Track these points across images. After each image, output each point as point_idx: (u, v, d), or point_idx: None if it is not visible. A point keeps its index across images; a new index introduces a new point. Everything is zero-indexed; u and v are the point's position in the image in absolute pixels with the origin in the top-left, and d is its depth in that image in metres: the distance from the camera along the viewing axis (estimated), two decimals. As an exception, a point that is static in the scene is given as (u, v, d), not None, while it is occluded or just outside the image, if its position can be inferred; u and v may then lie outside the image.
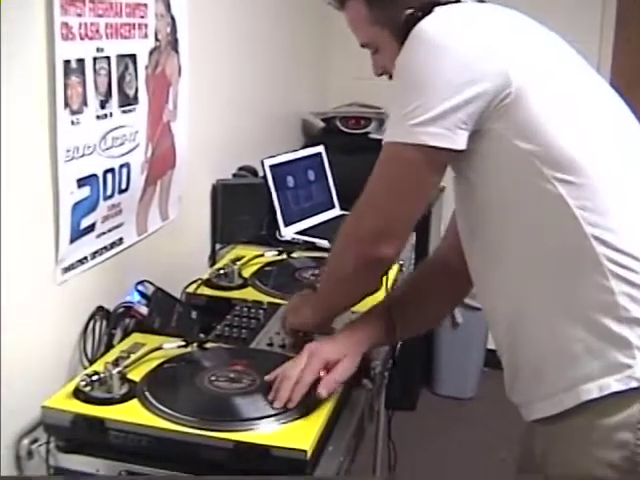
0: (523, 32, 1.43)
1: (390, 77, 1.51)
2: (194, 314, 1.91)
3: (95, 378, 1.48)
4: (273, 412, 1.43)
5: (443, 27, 1.36)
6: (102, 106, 1.67)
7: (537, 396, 1.41)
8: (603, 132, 1.39)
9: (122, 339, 1.73)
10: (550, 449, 1.40)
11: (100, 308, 1.75)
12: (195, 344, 1.68)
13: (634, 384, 1.30)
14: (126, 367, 1.53)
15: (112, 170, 1.75)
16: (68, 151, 1.56)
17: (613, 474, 1.31)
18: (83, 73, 1.59)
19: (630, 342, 1.30)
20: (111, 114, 1.71)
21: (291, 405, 1.43)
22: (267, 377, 1.51)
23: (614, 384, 1.30)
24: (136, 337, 1.71)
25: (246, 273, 2.17)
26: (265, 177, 2.62)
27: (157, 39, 1.89)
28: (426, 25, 1.36)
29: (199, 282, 2.08)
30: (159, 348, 1.63)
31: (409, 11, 1.41)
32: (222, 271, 2.11)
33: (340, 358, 1.51)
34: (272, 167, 2.65)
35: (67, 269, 1.63)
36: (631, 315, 1.30)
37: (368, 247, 1.44)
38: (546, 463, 1.40)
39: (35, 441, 1.47)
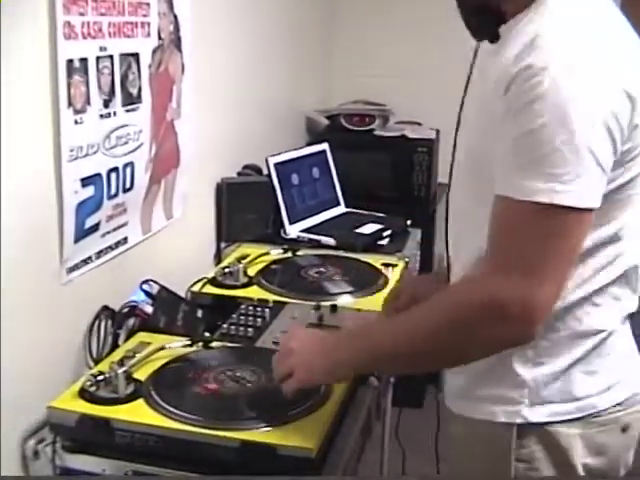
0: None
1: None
2: (199, 313, 1.91)
3: (100, 378, 1.48)
4: (279, 411, 1.43)
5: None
6: (105, 105, 1.67)
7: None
8: None
9: (127, 338, 1.73)
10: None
11: (105, 308, 1.75)
12: (200, 343, 1.68)
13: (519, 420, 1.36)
14: (131, 367, 1.53)
15: (116, 169, 1.74)
16: (72, 150, 1.56)
17: None
18: (86, 72, 1.58)
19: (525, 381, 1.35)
20: (115, 113, 1.70)
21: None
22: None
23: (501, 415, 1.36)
24: (141, 336, 1.70)
25: (251, 271, 2.16)
26: (270, 175, 2.61)
27: (160, 37, 1.89)
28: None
29: (204, 281, 2.07)
30: (164, 347, 1.62)
31: None
32: (227, 270, 2.10)
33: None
34: (277, 165, 2.65)
35: (72, 269, 1.63)
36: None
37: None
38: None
39: (41, 441, 1.47)
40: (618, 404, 1.38)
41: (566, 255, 1.20)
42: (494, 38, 1.35)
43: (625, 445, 1.42)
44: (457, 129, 1.44)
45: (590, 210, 1.18)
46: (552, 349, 1.33)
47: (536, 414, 1.35)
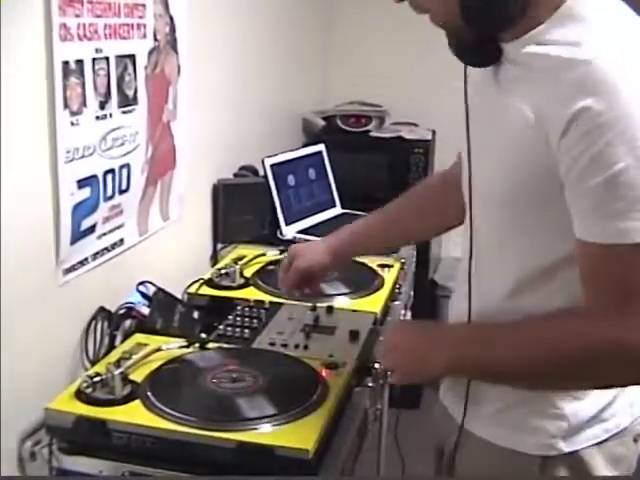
0: None
1: (417, 10, 1.28)
2: (196, 314, 1.91)
3: (97, 379, 1.48)
4: (275, 412, 1.43)
5: None
6: (102, 107, 1.67)
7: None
8: None
9: (124, 340, 1.73)
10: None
11: (101, 309, 1.75)
12: (197, 344, 1.68)
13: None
14: (128, 368, 1.53)
15: (112, 171, 1.74)
16: (68, 152, 1.56)
17: None
18: (82, 74, 1.58)
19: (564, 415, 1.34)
20: (111, 115, 1.70)
21: None
22: None
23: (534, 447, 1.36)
24: (138, 338, 1.71)
25: (248, 273, 2.17)
26: (266, 176, 2.62)
27: (156, 39, 1.89)
28: None
29: (201, 282, 2.08)
30: (161, 349, 1.62)
31: None
32: (224, 271, 2.11)
33: None
34: (273, 166, 2.65)
35: (68, 270, 1.63)
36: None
37: None
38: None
39: (38, 443, 1.46)
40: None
41: None
42: (497, 61, 1.30)
43: (636, 454, 1.43)
44: (469, 152, 1.37)
45: None
46: None
47: (570, 445, 1.34)
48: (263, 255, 2.29)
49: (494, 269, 1.37)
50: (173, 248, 2.14)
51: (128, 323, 1.79)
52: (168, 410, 1.42)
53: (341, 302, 2.02)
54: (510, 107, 1.25)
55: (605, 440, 1.35)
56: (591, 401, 1.34)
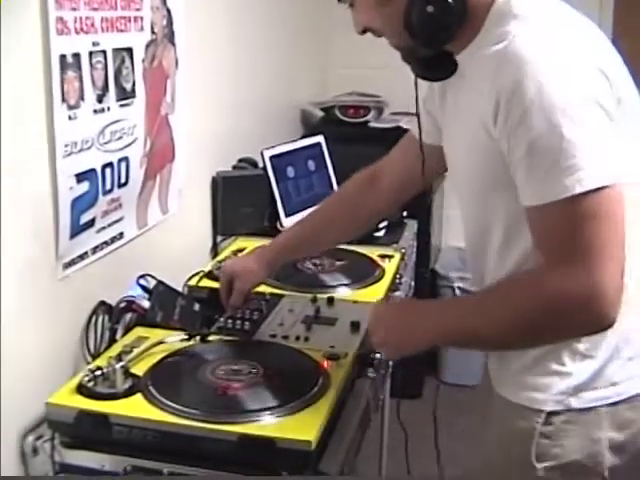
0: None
1: (376, 35, 1.43)
2: (196, 307, 1.91)
3: (98, 373, 1.48)
4: (277, 404, 1.43)
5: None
6: (99, 100, 1.66)
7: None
8: None
9: (124, 334, 1.73)
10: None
11: (102, 303, 1.75)
12: (198, 337, 1.68)
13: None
14: (129, 362, 1.53)
15: (111, 164, 1.74)
16: (66, 146, 1.56)
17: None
18: (79, 68, 1.58)
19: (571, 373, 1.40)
20: (109, 108, 1.70)
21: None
22: None
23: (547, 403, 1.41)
24: (138, 331, 1.71)
25: (248, 265, 2.16)
26: (265, 168, 2.61)
27: (153, 32, 1.88)
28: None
29: (201, 275, 2.08)
30: (162, 342, 1.62)
31: None
32: (224, 263, 2.10)
33: None
34: (272, 158, 2.64)
35: (68, 265, 1.63)
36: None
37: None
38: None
39: (40, 437, 1.47)
40: None
41: (614, 234, 1.22)
42: (454, 72, 1.43)
43: None
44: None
45: (615, 185, 1.22)
46: (602, 342, 1.37)
47: (579, 401, 1.39)
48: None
49: (486, 250, 1.46)
50: (173, 241, 2.14)
51: (129, 317, 1.79)
52: (170, 403, 1.42)
53: (342, 293, 2.02)
54: (466, 109, 1.39)
55: (616, 403, 1.39)
56: (600, 362, 1.38)
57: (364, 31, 1.43)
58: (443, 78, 1.46)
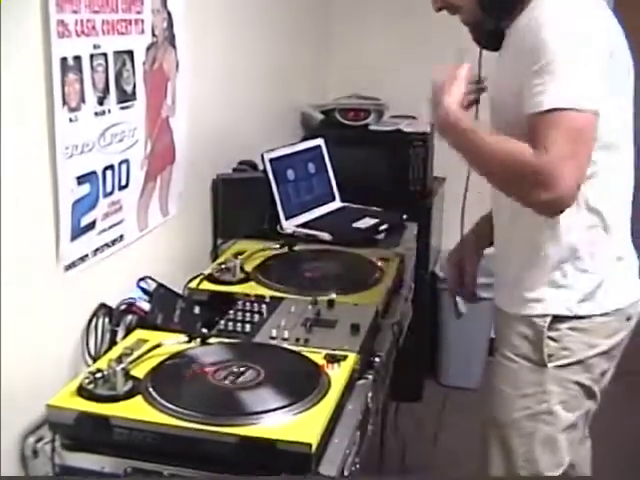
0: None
1: (451, 12, 1.81)
2: (196, 309, 1.91)
3: (99, 375, 1.48)
4: (277, 406, 1.43)
5: None
6: (100, 103, 1.66)
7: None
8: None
9: (125, 336, 1.73)
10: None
11: (102, 305, 1.75)
12: (198, 339, 1.68)
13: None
14: (129, 364, 1.53)
15: (112, 167, 1.74)
16: (67, 149, 1.56)
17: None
18: (80, 70, 1.58)
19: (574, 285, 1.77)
20: (109, 111, 1.70)
21: None
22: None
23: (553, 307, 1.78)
24: (139, 334, 1.71)
25: (248, 267, 2.17)
26: (265, 171, 2.61)
27: (154, 35, 1.88)
28: None
29: (201, 277, 2.08)
30: (162, 344, 1.62)
31: None
32: (224, 266, 2.11)
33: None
34: (272, 160, 2.65)
35: (68, 267, 1.63)
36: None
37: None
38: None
39: (40, 439, 1.47)
40: None
41: (581, 144, 1.56)
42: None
43: (627, 328, 1.83)
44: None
45: (593, 112, 1.56)
46: (605, 258, 1.76)
47: (583, 309, 1.75)
48: (263, 250, 2.29)
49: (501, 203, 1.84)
50: (173, 243, 2.14)
51: (129, 319, 1.79)
52: (170, 405, 1.43)
53: (342, 296, 2.02)
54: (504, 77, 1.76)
55: (607, 313, 1.76)
56: (598, 275, 1.76)
57: (440, 9, 1.81)
58: (499, 49, 1.79)
